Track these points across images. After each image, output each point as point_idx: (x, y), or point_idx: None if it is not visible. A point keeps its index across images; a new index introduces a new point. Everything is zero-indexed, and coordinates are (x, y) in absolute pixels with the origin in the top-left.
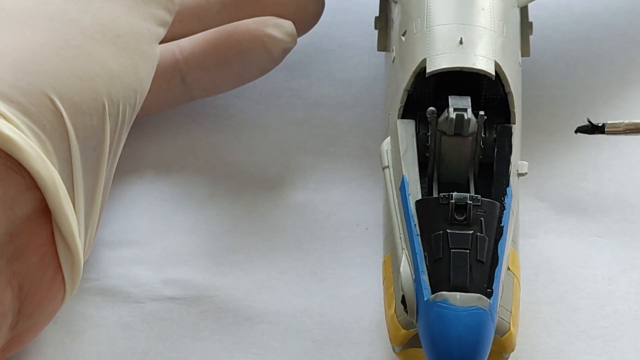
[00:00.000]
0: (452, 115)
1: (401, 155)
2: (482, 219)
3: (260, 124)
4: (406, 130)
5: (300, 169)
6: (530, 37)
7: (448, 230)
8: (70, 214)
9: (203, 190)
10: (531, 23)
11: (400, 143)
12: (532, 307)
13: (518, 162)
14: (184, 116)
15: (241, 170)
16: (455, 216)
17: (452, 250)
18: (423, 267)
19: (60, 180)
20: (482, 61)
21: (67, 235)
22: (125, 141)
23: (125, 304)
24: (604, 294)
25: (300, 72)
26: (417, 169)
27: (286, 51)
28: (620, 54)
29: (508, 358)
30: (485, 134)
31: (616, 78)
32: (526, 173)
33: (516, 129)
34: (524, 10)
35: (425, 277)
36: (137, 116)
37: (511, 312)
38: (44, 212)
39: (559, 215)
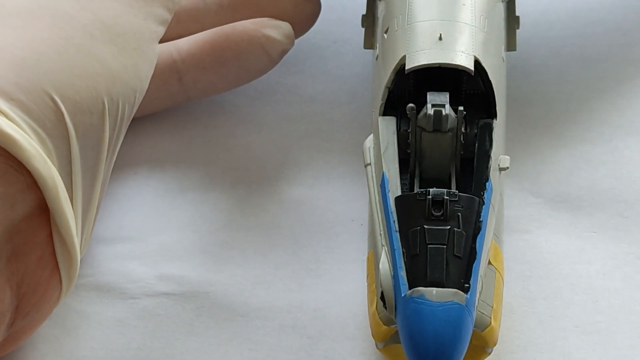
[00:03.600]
0: (430, 111)
1: (382, 152)
2: (459, 214)
3: (255, 120)
4: (387, 127)
5: (296, 165)
6: (524, 33)
7: (425, 226)
8: (69, 213)
9: (198, 186)
10: (518, 17)
11: (381, 140)
12: (526, 302)
13: (500, 157)
14: (179, 112)
15: (236, 166)
16: (433, 212)
17: (429, 246)
18: (401, 263)
19: (60, 179)
20: (461, 57)
21: (65, 235)
22: None
23: (119, 300)
24: (598, 289)
25: (296, 69)
26: (397, 166)
27: (284, 52)
28: (614, 50)
29: (491, 352)
30: (466, 129)
31: (611, 74)
32: (508, 167)
33: (498, 124)
34: (510, 5)
35: (403, 273)
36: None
37: (492, 307)
38: (44, 210)
39: (553, 211)
